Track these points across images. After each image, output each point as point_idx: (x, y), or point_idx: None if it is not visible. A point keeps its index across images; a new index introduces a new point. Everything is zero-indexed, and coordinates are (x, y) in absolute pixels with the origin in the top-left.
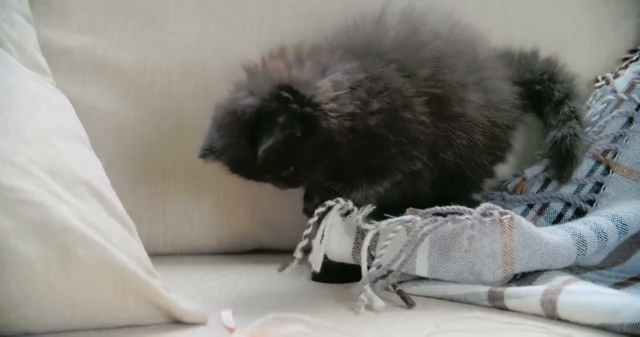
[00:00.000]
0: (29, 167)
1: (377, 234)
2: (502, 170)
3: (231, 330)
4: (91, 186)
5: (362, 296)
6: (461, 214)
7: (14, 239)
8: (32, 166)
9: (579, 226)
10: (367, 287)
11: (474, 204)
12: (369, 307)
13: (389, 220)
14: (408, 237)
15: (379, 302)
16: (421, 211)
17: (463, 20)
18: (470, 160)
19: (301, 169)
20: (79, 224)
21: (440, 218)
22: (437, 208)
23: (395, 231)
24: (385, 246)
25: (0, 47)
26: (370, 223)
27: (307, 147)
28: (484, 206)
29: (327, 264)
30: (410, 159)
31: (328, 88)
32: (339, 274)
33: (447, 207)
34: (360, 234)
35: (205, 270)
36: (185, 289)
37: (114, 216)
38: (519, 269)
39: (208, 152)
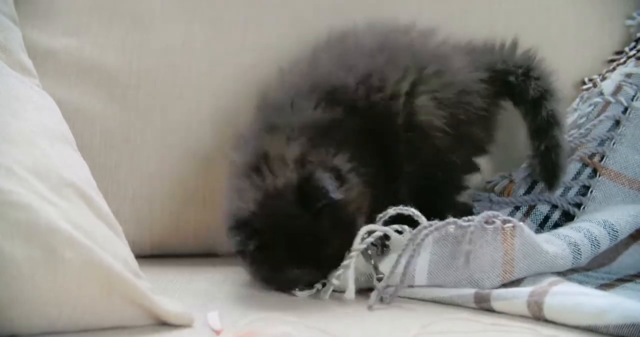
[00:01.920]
0: (14, 169)
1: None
2: (489, 168)
3: (217, 332)
4: (77, 188)
5: (334, 280)
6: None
7: (1, 241)
8: (17, 167)
9: (574, 234)
10: (345, 272)
11: (459, 206)
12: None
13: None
14: (409, 239)
15: (350, 294)
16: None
17: (408, 23)
18: (439, 164)
19: (347, 230)
20: (65, 225)
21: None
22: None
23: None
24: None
25: None
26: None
27: (348, 202)
28: (486, 213)
29: None
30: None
31: (327, 153)
32: None
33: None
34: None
35: (191, 272)
36: (172, 290)
37: (100, 217)
38: (516, 277)
39: (249, 245)
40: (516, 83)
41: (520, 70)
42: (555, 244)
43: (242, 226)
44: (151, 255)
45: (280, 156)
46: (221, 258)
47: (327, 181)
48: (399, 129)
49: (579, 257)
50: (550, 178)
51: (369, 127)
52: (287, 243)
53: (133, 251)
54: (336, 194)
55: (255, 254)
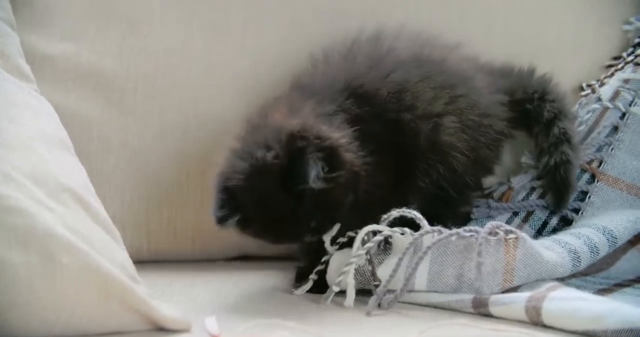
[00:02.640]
0: (12, 174)
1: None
2: (488, 179)
3: None
4: (75, 193)
5: (334, 287)
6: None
7: None
8: (15, 173)
9: (574, 240)
10: (345, 278)
11: (461, 215)
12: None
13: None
14: (410, 243)
15: (349, 302)
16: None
17: (434, 35)
18: (453, 183)
19: (331, 212)
20: (63, 230)
21: (445, 230)
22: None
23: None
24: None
25: None
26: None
27: (336, 185)
28: (490, 224)
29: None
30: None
31: (332, 127)
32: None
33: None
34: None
35: (189, 277)
36: (169, 295)
37: (98, 223)
38: (515, 285)
39: (230, 218)
40: (533, 109)
41: (536, 96)
42: (556, 251)
43: (227, 198)
44: (149, 260)
45: (278, 127)
46: (219, 263)
47: (312, 167)
48: (420, 145)
49: (578, 264)
50: (558, 195)
51: (390, 135)
52: (267, 220)
53: (131, 256)
54: (317, 184)
55: (237, 225)
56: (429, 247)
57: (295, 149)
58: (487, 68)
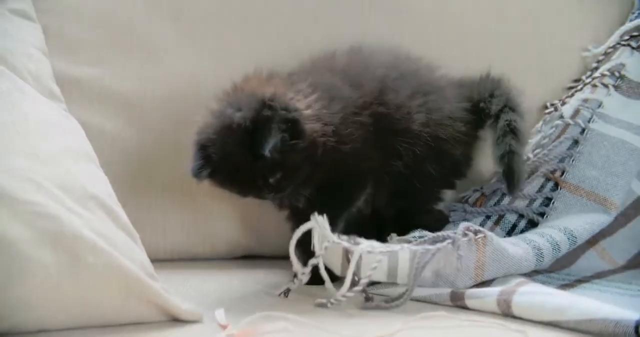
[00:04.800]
0: (44, 184)
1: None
2: (465, 187)
3: (223, 327)
4: (99, 200)
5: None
6: (443, 238)
7: (31, 247)
8: (46, 183)
9: (538, 238)
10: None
11: (435, 213)
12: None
13: (379, 248)
14: (411, 268)
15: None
16: (407, 238)
17: (404, 52)
18: (418, 172)
19: (288, 174)
20: (89, 233)
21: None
22: (422, 233)
23: (378, 260)
24: (374, 268)
25: (19, 78)
26: (356, 243)
27: (294, 152)
28: (462, 226)
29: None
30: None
31: (300, 97)
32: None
33: (431, 235)
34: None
35: (201, 274)
36: (183, 290)
37: (120, 226)
38: (486, 278)
39: (202, 171)
40: (485, 106)
41: (486, 94)
42: (522, 248)
43: (200, 151)
44: (164, 259)
45: (252, 92)
46: (227, 262)
47: (272, 137)
48: (398, 131)
49: (541, 259)
50: (507, 182)
51: (376, 120)
52: (231, 172)
53: (148, 255)
54: (272, 154)
55: (208, 177)
56: (426, 263)
57: (262, 117)
58: (459, 82)
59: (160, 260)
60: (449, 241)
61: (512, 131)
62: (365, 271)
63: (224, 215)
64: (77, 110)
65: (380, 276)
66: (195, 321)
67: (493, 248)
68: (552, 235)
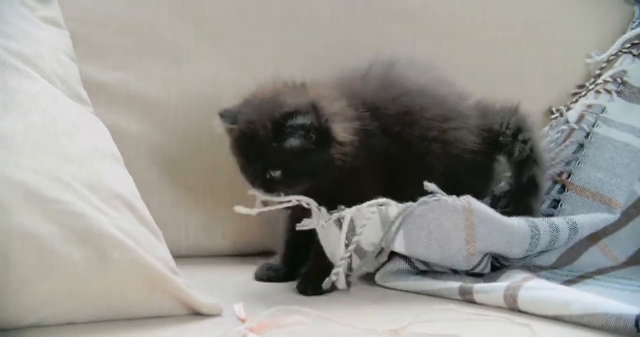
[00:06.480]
0: (72, 183)
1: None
2: None
3: (242, 320)
4: (124, 199)
5: (333, 276)
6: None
7: (60, 244)
8: (74, 182)
9: (536, 220)
10: (339, 270)
11: None
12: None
13: (365, 204)
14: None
15: (341, 284)
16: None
17: (442, 73)
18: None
19: (286, 177)
20: (114, 231)
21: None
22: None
23: (370, 214)
24: (364, 226)
25: (49, 82)
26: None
27: (306, 156)
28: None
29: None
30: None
31: (339, 111)
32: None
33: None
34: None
35: (221, 269)
36: (204, 285)
37: (144, 224)
38: (481, 245)
39: (229, 115)
40: (505, 143)
41: (509, 132)
42: (515, 220)
43: (225, 116)
44: (186, 255)
45: (301, 93)
46: (246, 258)
47: (302, 128)
48: (412, 159)
49: (537, 232)
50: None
51: (389, 145)
52: (247, 139)
53: (171, 252)
54: (288, 144)
55: (230, 124)
56: (399, 214)
57: (304, 109)
58: (480, 107)
59: (182, 256)
60: (435, 198)
61: (534, 187)
62: (358, 229)
63: (242, 213)
64: (103, 113)
65: (375, 230)
66: (215, 314)
67: (478, 207)
68: (550, 219)
